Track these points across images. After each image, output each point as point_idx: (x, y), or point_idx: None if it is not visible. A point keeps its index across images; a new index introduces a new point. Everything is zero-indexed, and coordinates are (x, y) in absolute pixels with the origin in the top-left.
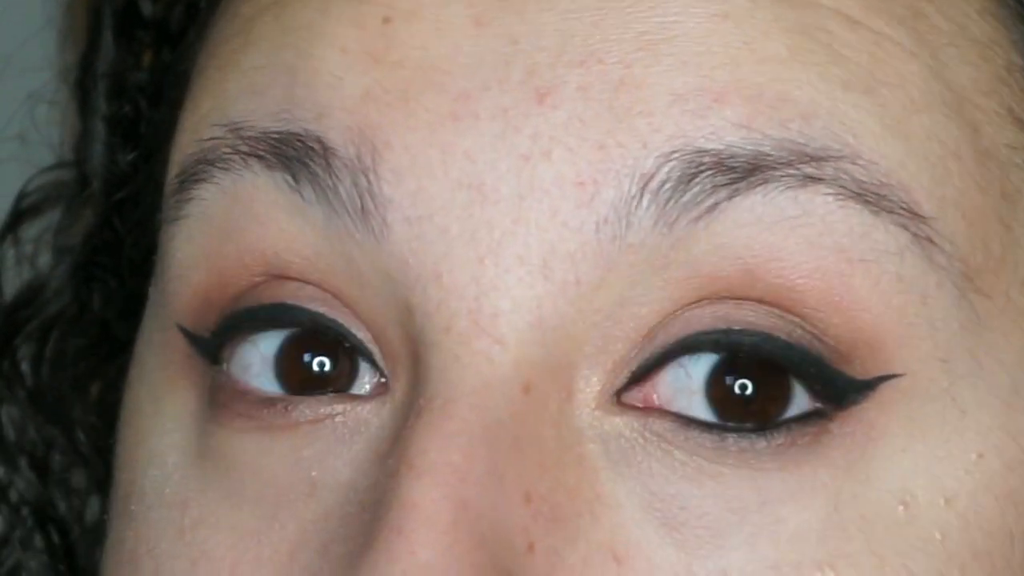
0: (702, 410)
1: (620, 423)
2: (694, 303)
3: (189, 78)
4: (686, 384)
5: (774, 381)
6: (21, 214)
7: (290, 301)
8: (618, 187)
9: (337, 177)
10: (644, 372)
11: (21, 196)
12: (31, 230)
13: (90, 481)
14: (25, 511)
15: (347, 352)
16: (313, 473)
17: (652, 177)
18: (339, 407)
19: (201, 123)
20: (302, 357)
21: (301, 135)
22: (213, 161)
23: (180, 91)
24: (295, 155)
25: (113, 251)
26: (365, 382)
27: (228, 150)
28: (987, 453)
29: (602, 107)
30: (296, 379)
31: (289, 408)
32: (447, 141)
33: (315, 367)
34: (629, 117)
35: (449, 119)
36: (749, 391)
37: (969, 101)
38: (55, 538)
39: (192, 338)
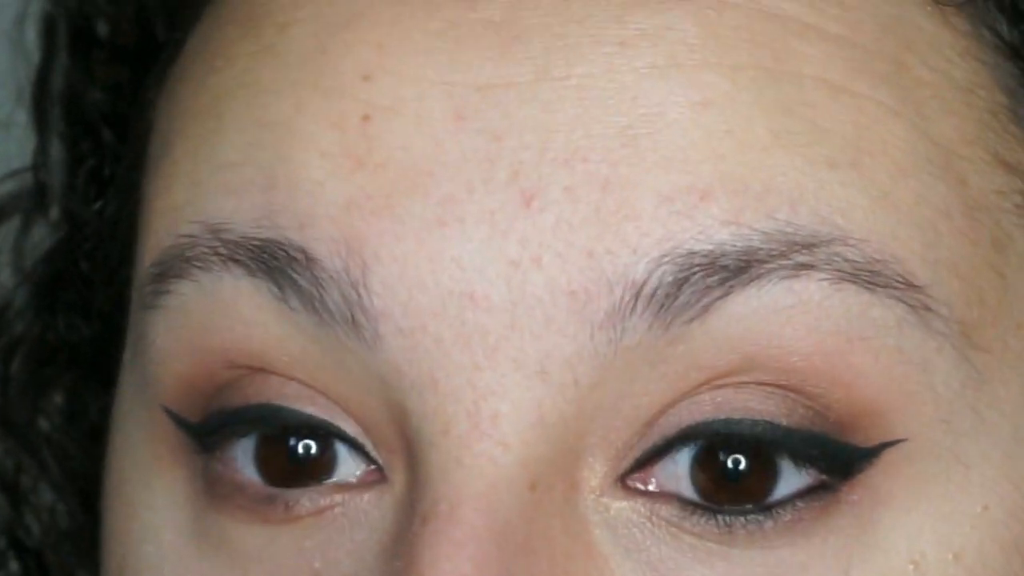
0: (688, 491)
1: (626, 507)
2: (694, 390)
3: (151, 139)
4: (672, 470)
5: (765, 458)
6: None
7: (276, 401)
8: (610, 295)
9: (324, 288)
10: (647, 459)
11: None
12: None
13: (57, 492)
14: None
15: (327, 440)
16: (316, 564)
17: (644, 284)
18: (338, 497)
19: (176, 216)
20: (287, 441)
21: (284, 244)
22: (191, 259)
23: (142, 150)
24: (278, 265)
25: (75, 278)
26: (352, 469)
27: (207, 250)
28: (991, 505)
29: (589, 210)
30: (277, 466)
31: (290, 504)
32: (435, 249)
33: (300, 450)
34: (617, 221)
35: (436, 225)
36: (742, 466)
37: (955, 154)
38: (30, 563)
39: (179, 421)
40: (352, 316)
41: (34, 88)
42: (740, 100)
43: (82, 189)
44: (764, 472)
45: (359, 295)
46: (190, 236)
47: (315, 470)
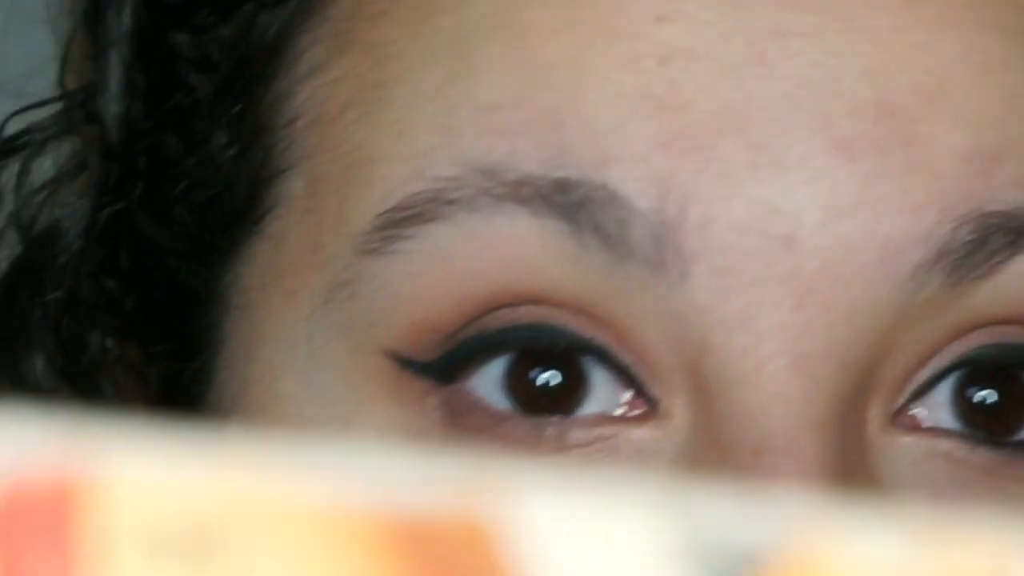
0: (952, 422)
1: (907, 442)
2: (967, 333)
3: (308, 83)
4: (937, 401)
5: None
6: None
7: (553, 322)
8: (916, 250)
9: (628, 227)
10: (919, 394)
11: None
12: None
13: None
14: None
15: (576, 370)
16: None
17: (947, 242)
18: (608, 430)
19: (424, 160)
20: (530, 371)
21: (582, 183)
22: (455, 201)
23: (284, 95)
24: (574, 203)
25: (134, 230)
26: (605, 404)
27: (477, 191)
28: None
29: (897, 165)
30: (527, 396)
31: (562, 434)
32: (751, 191)
33: (546, 379)
34: (923, 178)
35: (751, 168)
36: (995, 399)
37: None
38: None
39: (409, 363)
40: (659, 255)
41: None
42: (1014, 65)
43: (161, 131)
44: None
45: (671, 235)
46: (452, 178)
47: (563, 402)
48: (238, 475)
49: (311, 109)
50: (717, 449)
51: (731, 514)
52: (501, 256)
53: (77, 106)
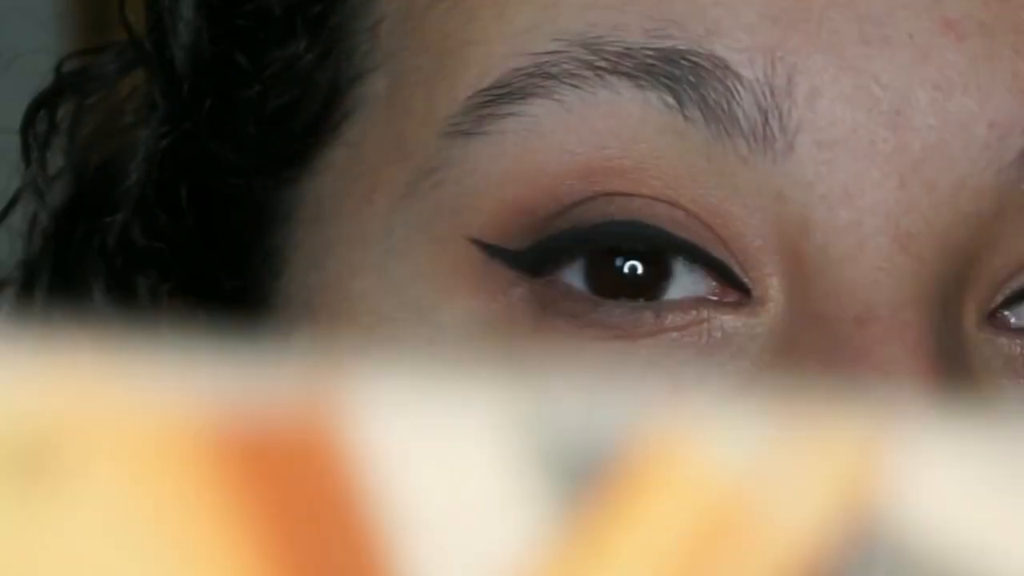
0: None
1: (1003, 343)
2: None
3: None
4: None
5: None
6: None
7: (646, 220)
8: (1022, 136)
9: (735, 98)
10: (1015, 297)
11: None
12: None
13: None
14: None
15: (663, 263)
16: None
17: None
18: (703, 313)
19: (522, 38)
20: (613, 262)
21: (689, 53)
22: (555, 75)
23: None
24: (680, 74)
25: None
26: (700, 290)
27: (580, 64)
28: None
29: (1006, 47)
30: (608, 284)
31: (660, 315)
32: (858, 66)
33: (627, 270)
34: None
35: (859, 42)
36: None
37: None
38: None
39: (497, 251)
40: (764, 127)
41: None
42: None
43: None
44: None
45: (778, 105)
46: (553, 52)
47: (648, 290)
48: (77, 387)
49: (398, 8)
50: (818, 324)
51: (578, 411)
52: (600, 129)
53: (144, 36)
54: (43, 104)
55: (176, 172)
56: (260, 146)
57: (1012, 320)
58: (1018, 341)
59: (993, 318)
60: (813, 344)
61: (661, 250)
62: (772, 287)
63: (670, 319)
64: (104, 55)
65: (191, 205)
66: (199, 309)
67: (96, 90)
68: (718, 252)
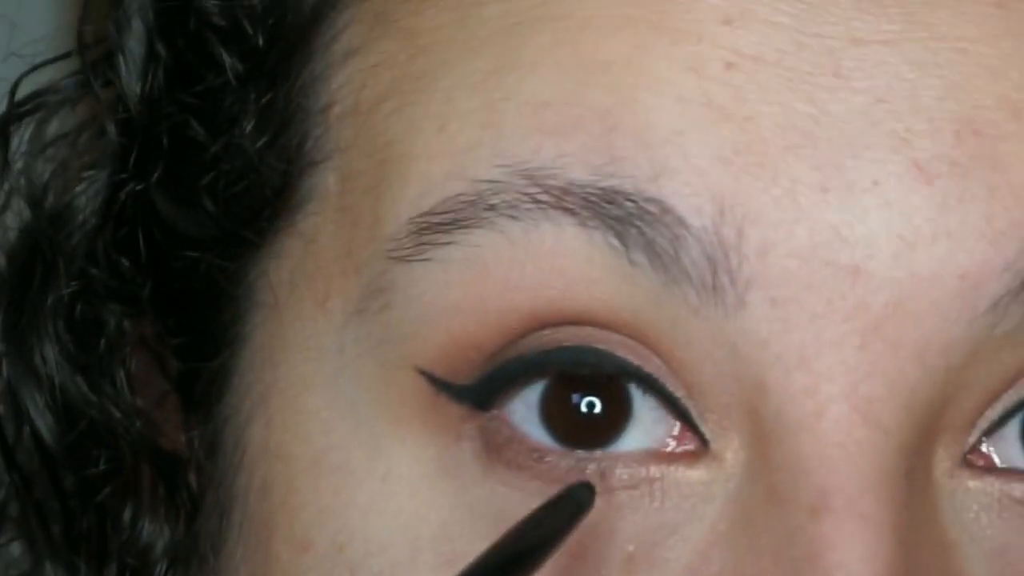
0: (1021, 460)
1: (974, 489)
2: None
3: (347, 63)
4: (1002, 435)
5: None
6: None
7: (599, 346)
8: (998, 281)
9: (682, 246)
10: (991, 431)
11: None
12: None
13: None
14: None
15: (620, 397)
16: (630, 548)
17: None
18: (655, 470)
19: (465, 159)
20: (567, 399)
21: (632, 195)
22: (496, 207)
23: (320, 75)
24: (624, 216)
25: (149, 212)
26: (646, 439)
27: (521, 197)
28: None
29: (980, 188)
30: (564, 425)
31: (606, 474)
32: (816, 216)
33: (584, 408)
34: (1009, 202)
35: (817, 190)
36: None
37: None
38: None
39: (442, 385)
40: (714, 279)
41: None
42: None
43: (187, 110)
44: None
45: (727, 257)
46: (494, 181)
47: (605, 432)
48: None
49: (347, 96)
50: (774, 503)
51: None
52: (544, 267)
53: (95, 68)
54: None
55: (134, 227)
56: (216, 221)
57: (994, 455)
58: (995, 483)
59: (970, 457)
60: (767, 529)
61: (617, 381)
62: (732, 445)
63: (618, 475)
64: (57, 82)
65: (149, 261)
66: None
67: (49, 117)
68: (678, 391)
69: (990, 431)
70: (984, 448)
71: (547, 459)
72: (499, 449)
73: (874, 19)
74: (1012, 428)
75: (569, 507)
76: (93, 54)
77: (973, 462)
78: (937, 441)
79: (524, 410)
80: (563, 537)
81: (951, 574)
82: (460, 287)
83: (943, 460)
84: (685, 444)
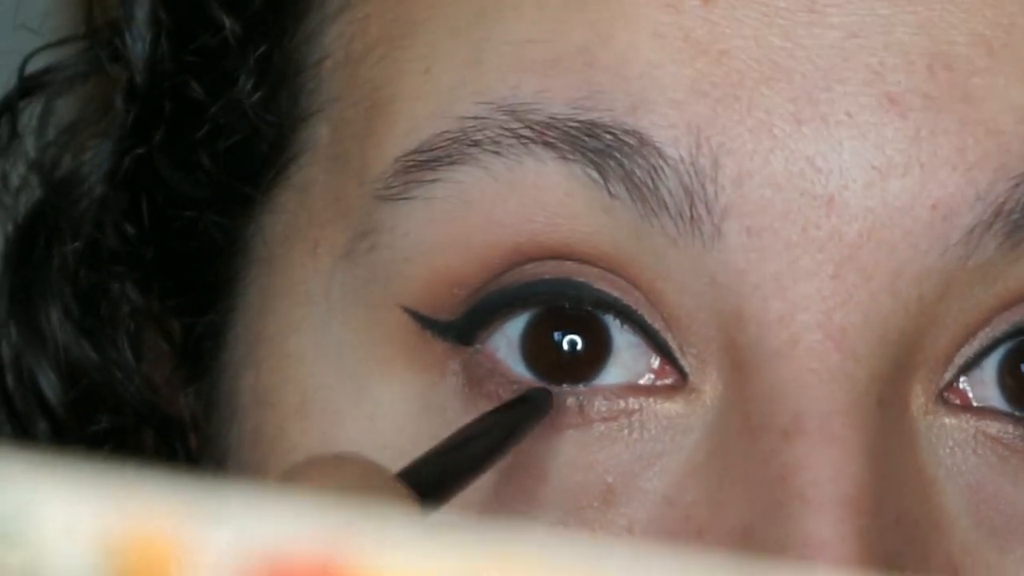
0: (997, 400)
1: (951, 425)
2: (1017, 301)
3: (342, 15)
4: (979, 376)
5: None
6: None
7: (579, 279)
8: (970, 212)
9: (660, 177)
10: (966, 370)
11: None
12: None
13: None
14: None
15: (600, 332)
16: (609, 479)
17: (1004, 202)
18: (634, 402)
19: (449, 97)
20: (548, 336)
21: (612, 127)
22: (480, 143)
23: (316, 28)
24: (603, 149)
25: (154, 178)
26: (629, 372)
27: (503, 132)
28: None
29: (952, 121)
30: (547, 361)
31: (584, 407)
32: (792, 146)
33: (566, 345)
34: (980, 135)
35: (793, 121)
36: None
37: None
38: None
39: (428, 322)
40: (691, 209)
41: None
42: None
43: (188, 70)
44: None
45: (704, 187)
46: (477, 118)
47: (585, 368)
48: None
49: (339, 49)
50: (748, 430)
51: None
52: (527, 202)
53: (103, 44)
54: (5, 109)
55: (138, 192)
56: (214, 178)
57: (969, 393)
58: (971, 421)
59: (947, 394)
60: (742, 456)
61: (597, 315)
62: (710, 378)
63: (596, 408)
64: (67, 59)
65: (152, 224)
66: (169, 317)
67: (59, 93)
68: (657, 324)
69: (966, 368)
70: (960, 386)
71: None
72: (480, 382)
73: None
74: (988, 368)
75: (525, 409)
76: (101, 30)
77: (949, 399)
78: (913, 376)
79: (506, 348)
80: (518, 436)
81: (927, 502)
82: (444, 224)
83: (919, 395)
84: (664, 378)
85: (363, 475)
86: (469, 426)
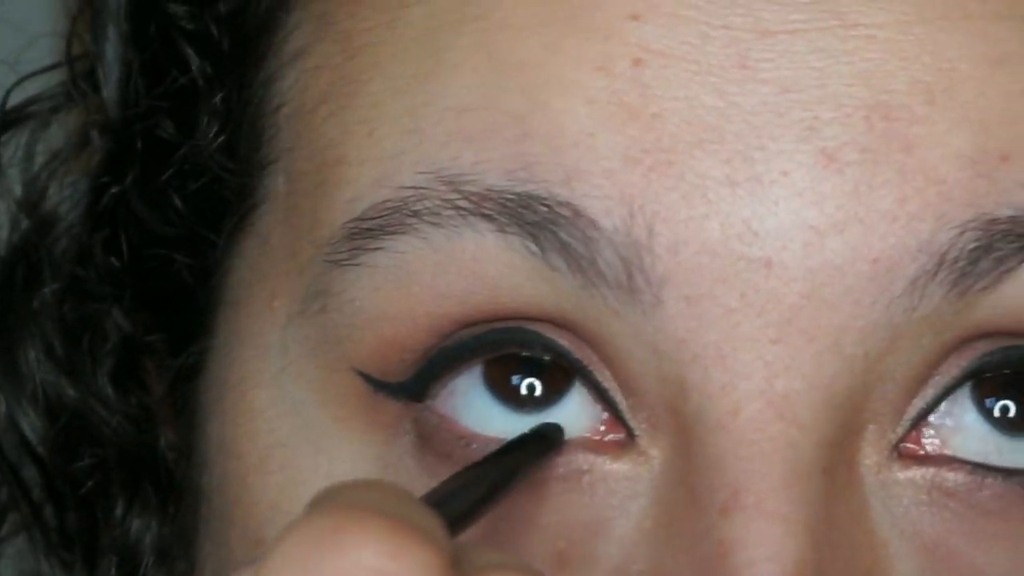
0: (979, 425)
1: (904, 481)
2: (968, 345)
3: (290, 69)
4: (953, 420)
5: None
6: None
7: (530, 327)
8: (913, 263)
9: (596, 249)
10: (921, 418)
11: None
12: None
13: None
14: None
15: (555, 378)
16: (560, 544)
17: (947, 251)
18: (584, 462)
19: (390, 166)
20: (509, 380)
21: (546, 199)
22: (419, 213)
23: (270, 80)
24: (539, 221)
25: (129, 212)
26: (590, 420)
27: (440, 203)
28: None
29: (892, 171)
30: (512, 400)
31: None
32: (726, 210)
33: (524, 390)
34: (920, 184)
35: (726, 184)
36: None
37: None
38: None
39: (379, 385)
40: (629, 280)
41: None
42: None
43: (160, 112)
44: None
45: (640, 257)
46: (416, 188)
47: (543, 405)
48: None
49: (293, 98)
50: (691, 502)
51: None
52: (467, 274)
53: (79, 78)
54: None
55: (116, 229)
56: (184, 220)
57: (928, 444)
58: (928, 472)
59: (903, 446)
60: (685, 531)
61: (551, 365)
62: (659, 443)
63: (554, 466)
64: (50, 90)
65: (131, 261)
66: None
67: (42, 125)
68: (606, 382)
69: (919, 420)
70: (920, 436)
71: (473, 446)
72: (430, 438)
73: (782, 9)
74: (944, 415)
75: (537, 442)
76: (79, 64)
77: (905, 452)
78: (861, 436)
79: (462, 395)
80: (528, 468)
81: (877, 570)
82: (388, 293)
83: (870, 455)
84: (616, 432)
85: (396, 500)
86: (482, 461)
